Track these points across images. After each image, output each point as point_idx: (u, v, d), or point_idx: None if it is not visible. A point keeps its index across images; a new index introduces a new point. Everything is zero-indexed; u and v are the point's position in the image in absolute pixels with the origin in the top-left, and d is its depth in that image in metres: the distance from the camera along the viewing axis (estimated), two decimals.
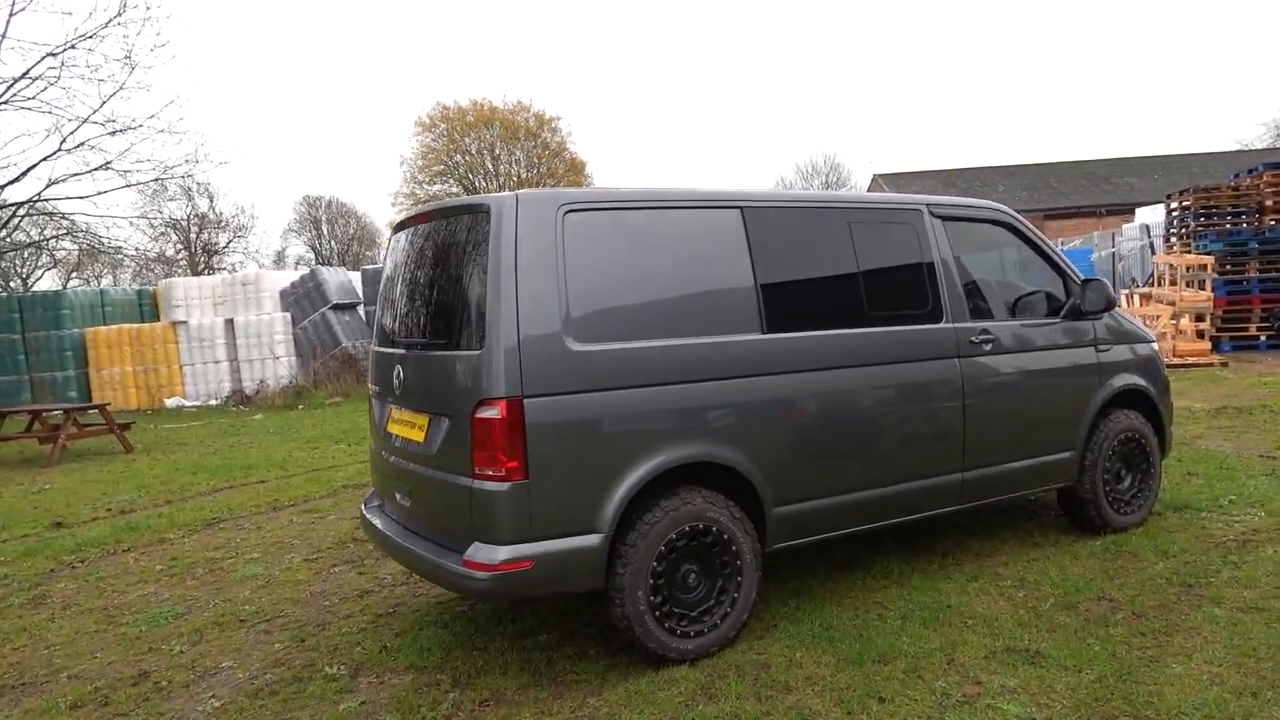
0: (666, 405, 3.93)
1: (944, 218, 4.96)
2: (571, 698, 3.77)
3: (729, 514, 4.07)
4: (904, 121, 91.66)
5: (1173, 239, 17.00)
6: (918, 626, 4.24)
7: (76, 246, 31.09)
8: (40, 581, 6.15)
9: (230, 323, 19.51)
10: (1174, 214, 17.08)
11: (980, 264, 5.37)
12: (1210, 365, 13.38)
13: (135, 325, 19.94)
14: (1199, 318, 14.31)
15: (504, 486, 3.64)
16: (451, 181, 52.95)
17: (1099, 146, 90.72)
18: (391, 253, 4.76)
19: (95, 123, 20.37)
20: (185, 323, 19.53)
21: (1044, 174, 54.78)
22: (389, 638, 4.60)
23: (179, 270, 40.92)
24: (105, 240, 23.52)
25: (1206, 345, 13.85)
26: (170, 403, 19.09)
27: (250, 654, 4.54)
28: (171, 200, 42.43)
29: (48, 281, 45.10)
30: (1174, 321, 13.78)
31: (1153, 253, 18.03)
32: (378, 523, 4.52)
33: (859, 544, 5.49)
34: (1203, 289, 14.56)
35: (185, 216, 43.82)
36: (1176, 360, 13.59)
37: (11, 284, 43.12)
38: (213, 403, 19.06)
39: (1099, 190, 50.92)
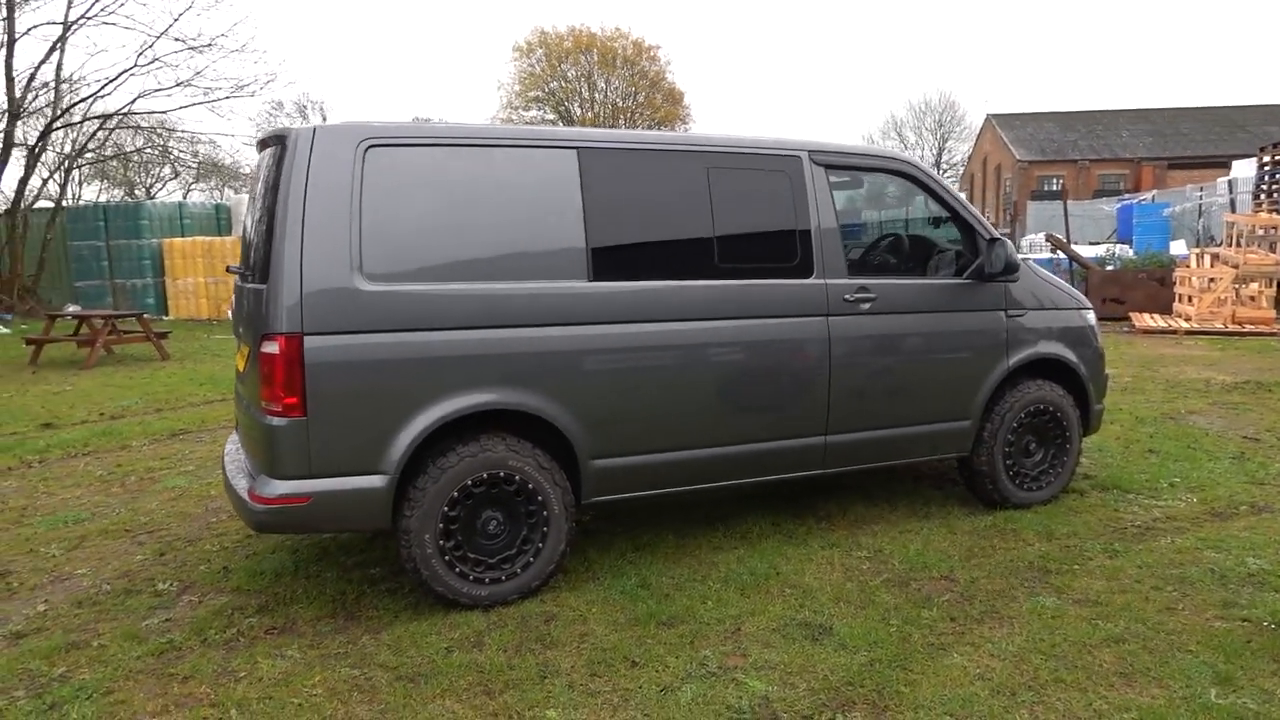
0: (466, 350, 3.85)
1: (828, 165, 4.65)
2: (352, 632, 3.82)
3: (535, 463, 3.99)
4: (1025, 59, 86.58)
5: (1261, 196, 15.64)
6: (732, 591, 4.11)
7: (196, 161, 32.57)
8: None
9: None
10: (1265, 169, 15.69)
11: (883, 217, 5.05)
12: (1271, 335, 12.36)
13: (208, 238, 20.76)
14: (1271, 282, 13.19)
15: (282, 422, 3.65)
16: (547, 108, 52.91)
17: (1240, 91, 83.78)
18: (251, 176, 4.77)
19: (176, 39, 21.11)
20: None
21: (1173, 119, 51.25)
22: (239, 559, 4.74)
23: None
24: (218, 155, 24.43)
25: (1270, 313, 12.78)
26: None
27: (110, 563, 4.75)
28: (288, 117, 44.09)
29: (167, 193, 47.29)
30: (1235, 286, 12.74)
31: (1232, 210, 16.67)
32: (227, 450, 4.62)
33: (741, 501, 5.35)
34: (1273, 251, 13.38)
35: None
36: (1233, 327, 12.63)
37: (136, 192, 45.42)
38: None
39: (1232, 139, 47.32)
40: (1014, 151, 47.61)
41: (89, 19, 19.95)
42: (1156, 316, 14.02)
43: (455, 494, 3.87)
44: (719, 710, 3.12)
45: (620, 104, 52.96)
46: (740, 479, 4.55)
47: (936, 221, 5.21)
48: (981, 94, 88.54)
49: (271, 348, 3.64)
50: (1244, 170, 17.88)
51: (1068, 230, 16.74)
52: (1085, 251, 17.14)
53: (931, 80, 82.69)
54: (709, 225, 4.33)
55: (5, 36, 18.89)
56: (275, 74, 50.67)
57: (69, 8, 19.62)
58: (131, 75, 21.05)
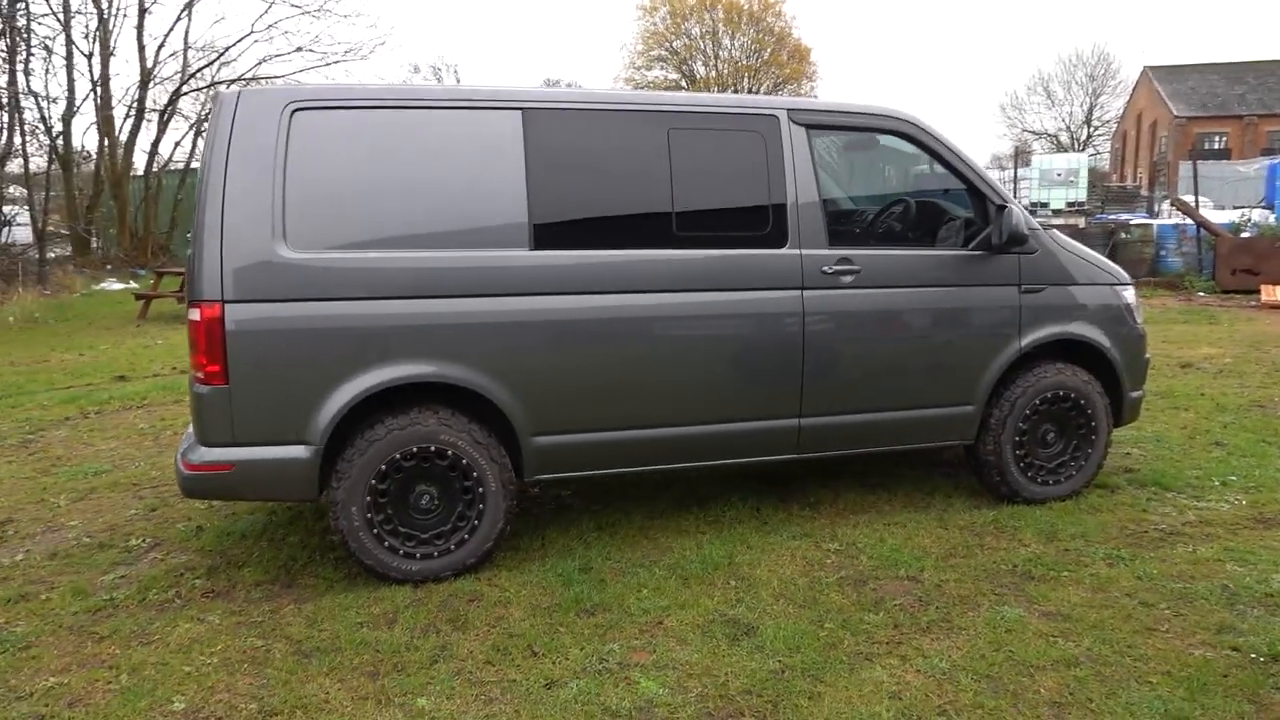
0: (393, 322, 3.75)
1: (810, 125, 4.28)
2: (282, 600, 3.82)
3: (470, 439, 3.87)
4: (1191, 3, 79.56)
5: None
6: (674, 581, 3.89)
7: None
8: (46, 428, 6.96)
9: None
10: None
11: (880, 182, 4.63)
12: None
13: None
14: None
15: (206, 389, 3.66)
16: (670, 67, 52.32)
17: None
18: None
19: (292, 4, 21.87)
20: None
21: None
22: (219, 519, 4.83)
23: None
24: None
25: None
26: None
27: (102, 516, 4.93)
28: (422, 79, 45.37)
29: None
30: None
31: None
32: None
33: (725, 482, 5.08)
34: None
35: None
36: None
37: None
38: None
39: None
40: (1171, 107, 43.91)
41: None
42: None
43: (384, 467, 3.79)
44: (593, 711, 2.94)
45: (745, 62, 51.87)
46: (703, 461, 4.31)
47: (943, 186, 4.75)
48: (1139, 44, 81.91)
49: (195, 315, 3.63)
50: None
51: (1196, 193, 15.30)
52: (1220, 218, 15.64)
53: (1083, 31, 76.82)
54: (667, 191, 4.06)
55: (137, 5, 19.97)
56: (385, 38, 52.99)
57: None
58: (255, 42, 21.96)
